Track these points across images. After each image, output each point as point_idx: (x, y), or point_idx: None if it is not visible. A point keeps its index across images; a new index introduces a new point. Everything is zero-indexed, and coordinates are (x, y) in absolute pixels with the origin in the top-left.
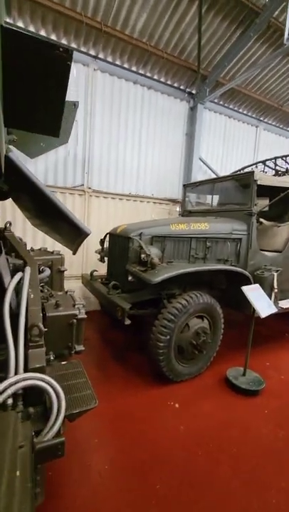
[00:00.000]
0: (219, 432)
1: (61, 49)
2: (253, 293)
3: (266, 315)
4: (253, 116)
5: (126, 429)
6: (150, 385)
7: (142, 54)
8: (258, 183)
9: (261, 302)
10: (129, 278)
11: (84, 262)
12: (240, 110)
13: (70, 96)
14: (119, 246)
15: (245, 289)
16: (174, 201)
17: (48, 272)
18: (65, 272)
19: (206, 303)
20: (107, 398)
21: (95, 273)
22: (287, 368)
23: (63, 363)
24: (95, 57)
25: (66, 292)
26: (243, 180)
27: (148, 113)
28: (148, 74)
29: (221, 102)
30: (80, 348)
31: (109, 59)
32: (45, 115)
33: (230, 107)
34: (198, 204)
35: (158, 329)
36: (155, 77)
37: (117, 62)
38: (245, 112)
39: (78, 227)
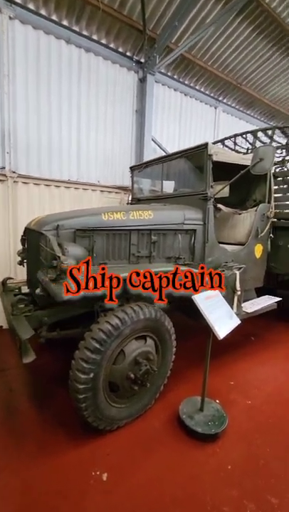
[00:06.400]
0: None
1: None
2: (209, 302)
3: (225, 334)
4: (211, 95)
5: None
6: (73, 440)
7: (72, 1)
8: (214, 159)
9: (220, 314)
10: (37, 291)
11: (11, 264)
12: (197, 87)
13: None
14: (33, 245)
15: (197, 298)
16: (125, 189)
17: None
18: None
19: (149, 318)
20: (2, 478)
21: (9, 281)
22: (254, 385)
23: None
24: (10, 0)
25: None
26: (196, 157)
27: (88, 82)
28: (85, 32)
29: (176, 76)
30: None
31: (31, 6)
32: None
33: (186, 82)
34: (152, 192)
35: (77, 364)
36: (94, 37)
37: (42, 12)
38: (202, 90)
39: None
